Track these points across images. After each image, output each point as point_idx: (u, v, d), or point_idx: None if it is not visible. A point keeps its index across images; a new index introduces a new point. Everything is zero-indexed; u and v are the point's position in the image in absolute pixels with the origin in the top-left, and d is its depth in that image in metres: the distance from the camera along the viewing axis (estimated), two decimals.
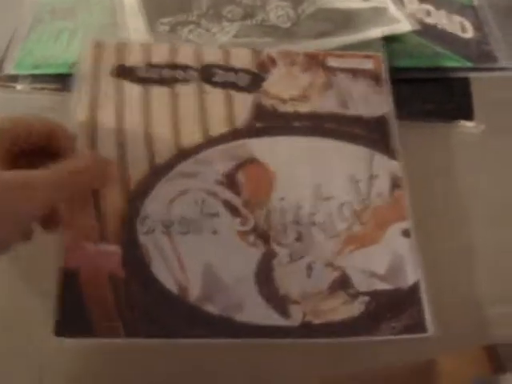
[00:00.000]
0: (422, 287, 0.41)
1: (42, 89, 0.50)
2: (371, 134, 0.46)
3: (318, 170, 0.44)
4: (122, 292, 0.38)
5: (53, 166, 0.36)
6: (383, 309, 0.40)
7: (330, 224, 0.42)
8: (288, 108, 0.46)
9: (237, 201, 0.42)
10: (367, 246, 0.42)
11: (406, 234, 0.42)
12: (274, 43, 0.50)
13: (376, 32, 0.52)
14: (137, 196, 0.41)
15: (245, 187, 0.43)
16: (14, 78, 0.50)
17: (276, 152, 0.44)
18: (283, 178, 0.43)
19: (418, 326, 0.40)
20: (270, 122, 0.45)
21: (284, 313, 0.39)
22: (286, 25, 0.53)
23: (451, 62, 0.53)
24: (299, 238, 0.41)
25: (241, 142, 0.44)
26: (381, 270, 0.41)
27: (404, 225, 0.43)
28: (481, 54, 0.54)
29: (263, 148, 0.44)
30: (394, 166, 0.45)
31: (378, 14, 0.54)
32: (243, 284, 0.40)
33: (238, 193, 0.42)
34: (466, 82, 0.53)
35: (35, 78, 0.50)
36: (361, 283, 0.41)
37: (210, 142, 0.44)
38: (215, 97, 0.45)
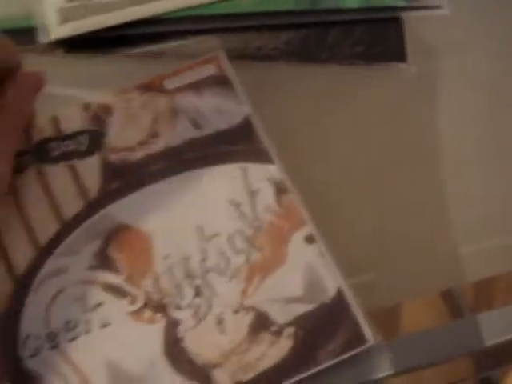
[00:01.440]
0: (347, 292, 0.36)
1: None
2: (237, 145, 0.41)
3: (194, 210, 0.39)
4: None
5: None
6: (313, 334, 0.35)
7: (225, 264, 0.37)
8: (139, 155, 0.41)
9: (118, 280, 0.37)
10: (274, 271, 0.37)
11: (309, 240, 0.38)
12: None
13: None
14: (9, 319, 0.36)
15: (121, 261, 0.37)
16: None
17: (141, 209, 0.39)
18: (160, 235, 0.38)
19: (357, 338, 0.35)
20: (125, 178, 0.40)
21: (210, 382, 0.34)
22: None
23: (381, 1, 0.48)
24: (198, 293, 0.37)
25: (101, 212, 0.39)
26: (297, 292, 0.37)
27: (305, 231, 0.38)
28: None
29: (126, 210, 0.39)
30: (272, 170, 0.40)
31: None
32: (155, 368, 0.35)
33: (116, 270, 0.37)
34: (398, 22, 0.48)
35: None
36: (280, 315, 0.36)
37: (68, 227, 0.38)
38: (57, 175, 0.40)
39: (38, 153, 0.41)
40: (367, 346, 0.35)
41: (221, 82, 0.43)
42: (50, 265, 0.37)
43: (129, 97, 0.42)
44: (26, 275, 0.37)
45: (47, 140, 0.41)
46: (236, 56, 0.45)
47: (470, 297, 0.59)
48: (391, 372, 0.36)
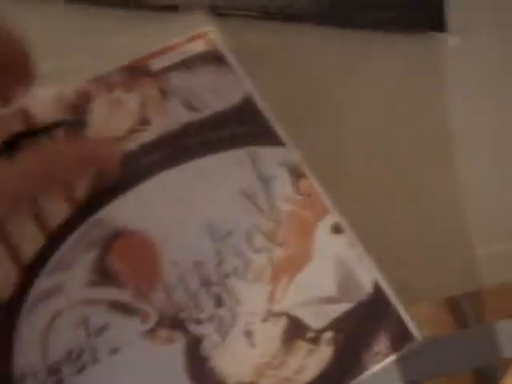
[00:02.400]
0: (385, 286, 0.32)
1: None
2: (240, 127, 0.36)
3: (201, 206, 0.34)
4: None
5: None
6: (355, 337, 0.31)
7: (244, 265, 0.32)
8: (129, 146, 0.35)
9: (124, 296, 0.32)
10: (302, 269, 0.33)
11: (336, 230, 0.33)
12: None
13: None
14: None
15: (125, 272, 0.32)
16: None
17: (140, 209, 0.33)
18: (165, 238, 0.33)
19: (403, 336, 0.31)
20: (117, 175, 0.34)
21: None
22: None
23: None
24: (219, 303, 0.32)
25: (93, 218, 0.33)
26: (331, 290, 0.32)
27: (330, 219, 0.34)
28: None
29: (122, 212, 0.33)
30: (285, 153, 0.35)
31: None
32: None
33: (120, 284, 0.32)
34: None
35: None
36: (316, 319, 0.32)
37: (55, 239, 0.33)
38: None
39: (6, 152, 0.34)
40: (415, 343, 0.31)
41: (213, 58, 0.38)
42: (40, 285, 0.32)
43: (110, 80, 0.36)
44: (11, 301, 0.31)
45: (17, 136, 0.35)
46: (255, 16, 0.41)
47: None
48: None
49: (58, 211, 0.33)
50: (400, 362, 0.31)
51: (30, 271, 0.32)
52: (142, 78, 0.37)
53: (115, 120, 0.35)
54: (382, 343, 0.31)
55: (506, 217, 0.38)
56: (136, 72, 0.37)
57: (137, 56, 0.37)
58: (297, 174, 0.35)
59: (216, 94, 0.36)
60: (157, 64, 0.37)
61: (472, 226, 0.37)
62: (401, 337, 0.31)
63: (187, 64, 0.37)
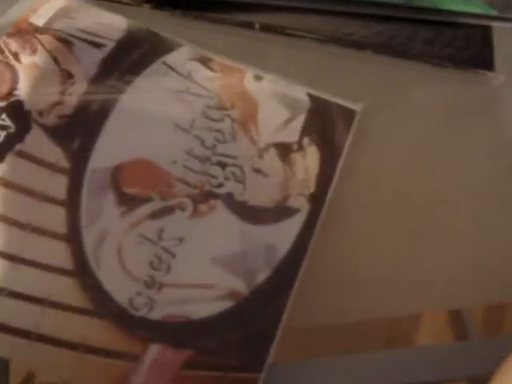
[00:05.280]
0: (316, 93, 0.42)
1: None
2: (143, 47, 0.42)
3: (161, 115, 0.40)
4: None
5: None
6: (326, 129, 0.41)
7: (220, 133, 0.40)
8: (71, 102, 0.39)
9: (153, 206, 0.37)
10: (258, 113, 0.41)
11: (257, 78, 0.42)
12: None
13: None
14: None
15: (141, 190, 0.37)
16: None
17: (119, 143, 0.39)
18: (151, 151, 0.39)
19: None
20: (79, 131, 0.39)
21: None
22: None
23: (475, 8, 0.48)
24: (223, 165, 0.39)
25: (88, 169, 0.38)
26: (286, 114, 0.41)
27: (250, 72, 0.42)
28: (507, 3, 0.49)
29: (107, 153, 0.38)
30: (187, 50, 0.43)
31: None
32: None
33: (143, 200, 0.37)
34: (488, 31, 0.48)
35: None
36: (290, 135, 0.40)
37: (72, 204, 0.37)
38: (16, 169, 0.37)
39: None
40: None
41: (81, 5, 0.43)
42: (89, 238, 0.36)
43: (11, 50, 0.40)
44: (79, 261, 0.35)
45: None
46: (323, 39, 0.45)
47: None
48: None
49: (56, 183, 0.37)
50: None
51: (72, 238, 0.36)
52: (37, 36, 0.41)
53: (42, 86, 0.39)
54: None
55: None
56: (27, 32, 0.41)
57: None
58: (204, 60, 0.42)
59: (105, 26, 0.42)
60: (40, 19, 0.42)
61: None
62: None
63: (65, 13, 0.42)
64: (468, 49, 0.47)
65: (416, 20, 0.48)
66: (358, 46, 0.46)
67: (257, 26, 0.45)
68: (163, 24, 0.44)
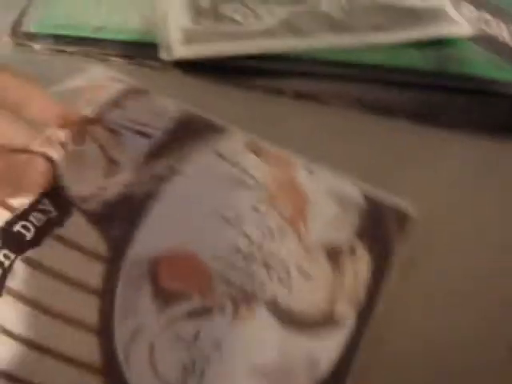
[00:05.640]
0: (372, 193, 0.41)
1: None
2: (194, 135, 0.41)
3: (205, 204, 0.39)
4: None
5: None
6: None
7: (268, 230, 0.38)
8: (114, 190, 0.38)
9: (193, 305, 0.35)
10: (307, 209, 0.39)
11: (310, 171, 0.41)
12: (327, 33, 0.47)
13: (435, 30, 0.49)
14: None
15: (182, 286, 0.35)
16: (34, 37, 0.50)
17: (158, 234, 0.37)
18: (196, 242, 0.37)
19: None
20: (120, 218, 0.37)
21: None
22: (338, 15, 0.50)
23: (507, 75, 0.48)
24: (268, 266, 0.37)
25: (127, 260, 0.36)
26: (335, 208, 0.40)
27: (301, 168, 0.41)
28: None
29: (146, 243, 0.36)
30: (241, 136, 0.41)
31: (436, 14, 0.51)
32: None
33: (183, 298, 0.35)
34: None
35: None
36: (340, 233, 0.38)
37: (107, 295, 0.35)
38: (54, 256, 0.35)
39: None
40: None
41: (134, 91, 0.43)
42: (121, 332, 0.33)
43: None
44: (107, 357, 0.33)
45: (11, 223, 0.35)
46: (349, 104, 0.46)
47: None
48: None
49: (93, 272, 0.35)
50: None
51: (103, 332, 0.33)
52: (87, 127, 0.40)
53: (86, 173, 0.38)
54: None
55: None
56: (79, 125, 0.40)
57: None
58: (255, 149, 0.41)
59: (155, 117, 0.41)
60: (91, 110, 0.41)
61: None
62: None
63: (115, 102, 0.42)
64: (496, 116, 0.47)
65: (447, 87, 0.48)
66: (387, 112, 0.46)
67: (288, 92, 0.46)
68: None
